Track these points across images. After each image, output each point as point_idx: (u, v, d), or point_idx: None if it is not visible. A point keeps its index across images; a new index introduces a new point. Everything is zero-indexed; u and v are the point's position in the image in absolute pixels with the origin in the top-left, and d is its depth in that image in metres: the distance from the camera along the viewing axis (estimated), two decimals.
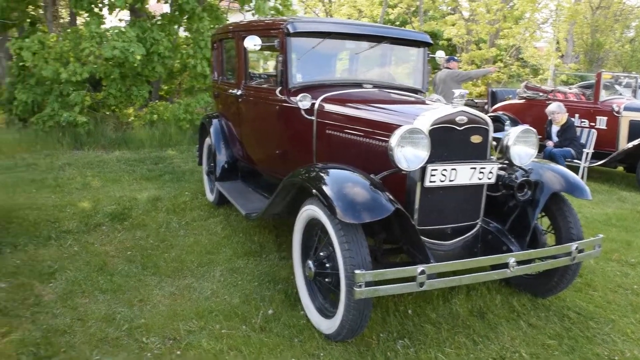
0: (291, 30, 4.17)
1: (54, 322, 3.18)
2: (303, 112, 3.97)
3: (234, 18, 11.65)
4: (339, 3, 24.47)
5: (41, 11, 11.47)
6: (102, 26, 9.21)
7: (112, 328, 3.13)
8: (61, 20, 15.78)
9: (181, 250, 4.39)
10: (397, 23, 22.49)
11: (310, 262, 3.17)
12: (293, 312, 3.39)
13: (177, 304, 3.48)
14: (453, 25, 18.59)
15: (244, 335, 3.10)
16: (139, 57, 8.63)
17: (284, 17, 4.89)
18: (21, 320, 3.20)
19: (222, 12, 11.47)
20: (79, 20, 12.91)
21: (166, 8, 11.68)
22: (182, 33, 11.47)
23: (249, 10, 11.74)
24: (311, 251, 3.27)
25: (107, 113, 10.25)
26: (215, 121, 5.67)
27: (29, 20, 11.48)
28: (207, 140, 5.83)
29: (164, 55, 9.54)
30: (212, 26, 10.45)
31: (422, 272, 2.75)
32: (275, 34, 4.33)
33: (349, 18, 21.67)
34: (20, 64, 9.58)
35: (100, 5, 9.44)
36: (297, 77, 4.28)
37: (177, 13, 10.65)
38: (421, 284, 2.77)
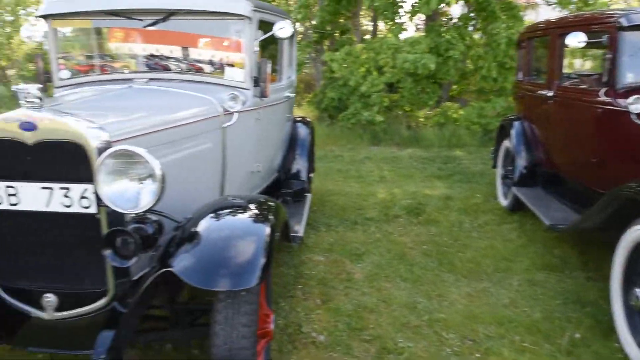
0: (625, 24, 3.68)
1: (363, 300, 3.52)
2: (634, 117, 3.47)
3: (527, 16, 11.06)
4: None
5: (347, 22, 12.87)
6: (401, 35, 9.83)
7: (413, 316, 3.31)
8: (363, 28, 17.48)
9: (476, 252, 4.35)
10: None
11: (638, 291, 2.75)
12: (605, 342, 3.01)
13: (474, 305, 3.47)
14: None
15: (549, 354, 2.89)
16: (430, 69, 8.90)
17: (612, 10, 4.37)
18: (336, 292, 3.65)
19: (520, 10, 10.92)
20: (381, 26, 14.08)
21: (459, 10, 11.81)
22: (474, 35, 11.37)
23: (552, 4, 10.89)
24: (638, 278, 2.84)
25: (400, 113, 10.91)
26: (516, 123, 5.43)
27: (339, 31, 13.01)
28: (505, 143, 5.64)
29: (458, 59, 9.64)
30: (509, 24, 10.08)
31: None
32: (601, 29, 3.89)
33: None
34: (331, 71, 10.97)
35: (401, 13, 10.03)
36: (628, 77, 3.77)
37: (472, 14, 10.64)
38: None
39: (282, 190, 4.45)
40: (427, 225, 5.04)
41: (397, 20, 10.08)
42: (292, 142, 4.83)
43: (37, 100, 2.00)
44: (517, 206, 5.19)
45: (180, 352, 2.88)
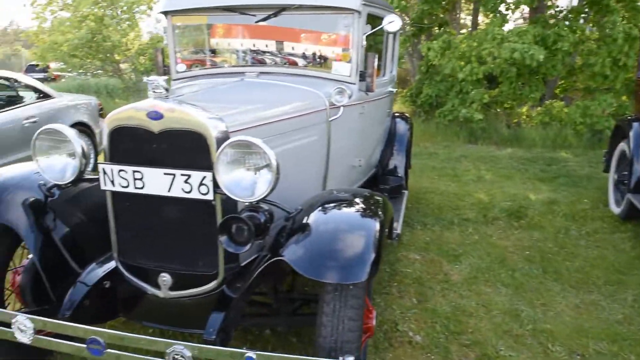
0: None
1: (461, 303, 3.41)
2: None
3: None
4: None
5: (445, 16, 12.50)
6: (504, 27, 9.38)
7: (516, 324, 3.15)
8: (462, 21, 16.92)
9: (584, 261, 4.07)
10: None
11: None
12: None
13: (582, 318, 3.24)
14: None
15: None
16: (539, 59, 8.37)
17: None
18: (433, 292, 3.56)
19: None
20: (481, 19, 13.55)
21: (566, 1, 11.08)
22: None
23: None
24: None
25: (499, 110, 10.45)
26: (635, 124, 4.99)
27: (438, 24, 12.69)
28: (621, 145, 5.21)
29: (567, 52, 9.02)
30: (627, 17, 9.32)
31: None
32: None
33: None
34: (429, 63, 10.73)
35: (504, 4, 9.57)
36: None
37: (585, 5, 9.92)
38: None
39: (380, 185, 4.42)
40: (529, 230, 4.79)
41: (500, 12, 9.62)
42: (390, 138, 4.78)
43: (164, 91, 2.12)
44: (631, 214, 4.79)
45: (278, 339, 2.95)
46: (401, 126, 4.89)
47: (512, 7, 9.67)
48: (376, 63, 3.24)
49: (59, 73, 18.92)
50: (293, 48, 3.60)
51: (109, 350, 2.00)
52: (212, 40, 3.85)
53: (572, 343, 2.97)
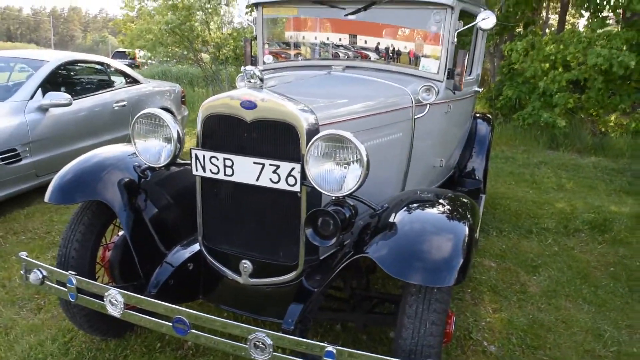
0: None
1: (539, 316, 3.27)
2: None
3: None
4: None
5: (532, 15, 11.93)
6: (599, 30, 8.79)
7: (598, 344, 2.98)
8: (550, 22, 16.16)
9: None
10: None
11: None
12: None
13: None
14: None
15: None
16: (630, 66, 7.78)
17: None
18: (509, 302, 3.43)
19: None
20: (568, 18, 12.84)
21: None
22: None
23: None
24: None
25: (582, 116, 9.87)
26: None
27: (523, 23, 12.15)
28: None
29: None
30: None
31: None
32: None
33: None
34: (510, 65, 10.30)
35: (605, 4, 8.98)
36: None
37: None
38: None
39: (457, 188, 4.30)
40: (614, 245, 4.51)
41: (601, 14, 9.02)
42: (471, 139, 4.63)
43: (259, 81, 2.15)
44: None
45: (348, 334, 2.94)
46: (482, 127, 4.73)
47: (613, 9, 8.98)
48: (466, 61, 3.14)
49: (142, 60, 19.79)
50: (366, 42, 3.50)
51: (191, 330, 2.06)
52: (293, 33, 3.87)
53: None
